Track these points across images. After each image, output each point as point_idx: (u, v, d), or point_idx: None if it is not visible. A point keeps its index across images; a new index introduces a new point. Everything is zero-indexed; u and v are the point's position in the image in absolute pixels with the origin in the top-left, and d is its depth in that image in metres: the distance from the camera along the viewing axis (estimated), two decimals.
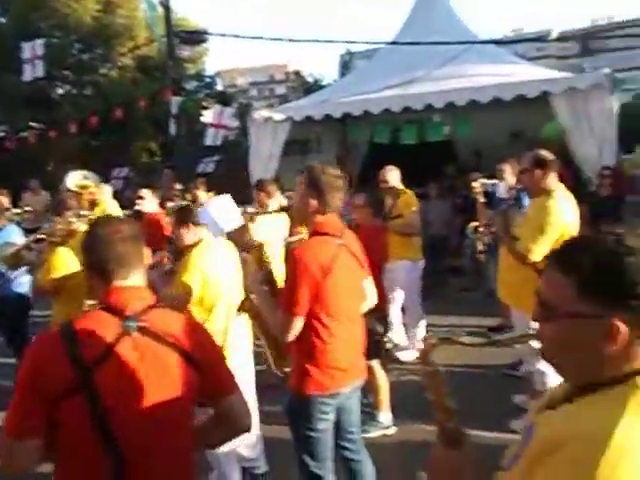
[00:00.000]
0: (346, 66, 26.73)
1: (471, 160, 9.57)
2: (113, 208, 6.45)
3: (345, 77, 12.63)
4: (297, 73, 36.29)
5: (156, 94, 13.23)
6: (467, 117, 8.13)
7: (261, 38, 13.35)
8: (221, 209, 3.36)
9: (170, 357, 1.50)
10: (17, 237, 4.67)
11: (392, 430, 3.86)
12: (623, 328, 0.99)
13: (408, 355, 5.06)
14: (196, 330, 1.64)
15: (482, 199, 5.19)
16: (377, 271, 3.99)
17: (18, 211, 5.50)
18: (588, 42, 49.70)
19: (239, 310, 2.96)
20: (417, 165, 8.88)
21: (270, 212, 3.99)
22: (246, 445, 3.21)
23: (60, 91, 19.70)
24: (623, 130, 7.84)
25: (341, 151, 11.49)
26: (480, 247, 5.21)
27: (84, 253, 1.60)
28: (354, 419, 2.68)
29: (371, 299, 2.78)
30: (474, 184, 5.28)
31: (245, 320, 3.15)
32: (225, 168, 12.85)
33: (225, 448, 3.01)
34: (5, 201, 5.72)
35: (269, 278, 2.73)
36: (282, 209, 3.81)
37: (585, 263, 1.03)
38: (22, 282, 4.82)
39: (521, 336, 1.32)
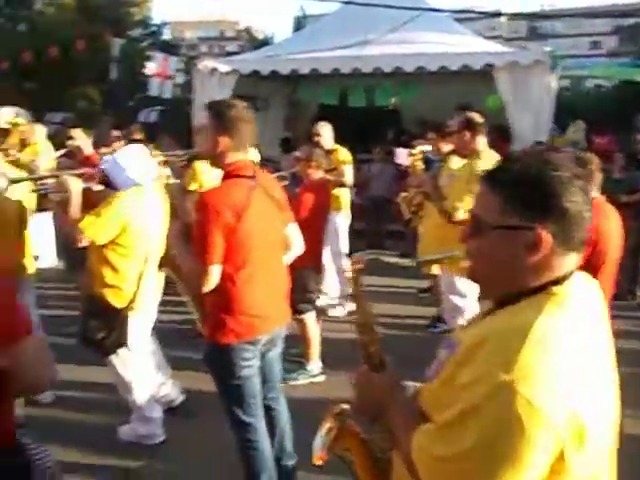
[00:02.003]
0: (300, 28, 26.15)
1: (416, 128, 9.72)
2: (46, 148, 6.15)
3: (295, 35, 12.36)
4: (248, 30, 35.16)
5: (97, 36, 12.48)
6: (414, 84, 8.21)
7: None
8: (131, 158, 2.94)
9: None
10: None
11: (320, 378, 3.98)
12: (547, 238, 1.03)
13: (338, 311, 5.17)
14: None
15: (421, 165, 5.33)
16: (319, 226, 4.02)
17: None
18: (535, 26, 51.03)
19: (160, 266, 2.88)
20: (364, 129, 8.97)
21: (192, 158, 3.87)
22: (159, 384, 3.27)
23: None
24: (561, 112, 8.20)
25: (290, 111, 11.37)
26: (407, 213, 5.27)
27: None
28: (275, 370, 2.62)
29: (296, 246, 2.68)
30: (413, 150, 5.45)
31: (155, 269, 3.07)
32: (168, 120, 12.44)
33: (143, 393, 3.05)
34: None
35: (189, 230, 2.45)
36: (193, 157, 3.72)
37: (510, 177, 1.07)
38: None
39: (446, 257, 1.39)
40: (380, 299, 5.77)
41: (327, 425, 1.36)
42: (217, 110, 2.27)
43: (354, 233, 5.91)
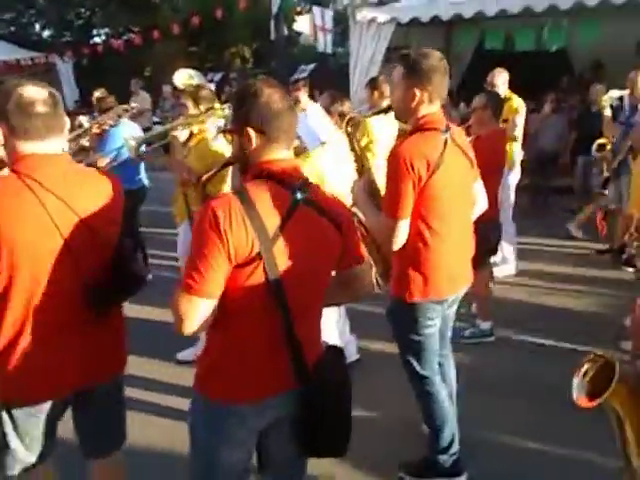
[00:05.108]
0: None
1: (590, 71, 8.73)
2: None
3: None
4: None
5: None
6: (594, 21, 7.29)
7: None
8: (317, 118, 3.08)
9: (327, 228, 1.57)
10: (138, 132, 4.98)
11: (491, 338, 3.89)
12: None
13: (502, 270, 4.96)
14: (341, 203, 1.68)
15: (609, 113, 4.89)
16: (497, 177, 3.76)
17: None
18: None
19: None
20: (532, 76, 8.23)
21: (381, 111, 3.81)
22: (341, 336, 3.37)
23: None
24: None
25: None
26: (605, 166, 4.93)
27: (243, 115, 1.52)
28: (449, 328, 2.60)
29: (481, 204, 2.55)
30: (603, 97, 5.00)
31: None
32: (318, 77, 12.54)
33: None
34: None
35: (372, 187, 2.44)
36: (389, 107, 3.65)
37: None
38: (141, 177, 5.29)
39: None
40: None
41: (584, 368, 1.40)
42: (410, 61, 2.16)
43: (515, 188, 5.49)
